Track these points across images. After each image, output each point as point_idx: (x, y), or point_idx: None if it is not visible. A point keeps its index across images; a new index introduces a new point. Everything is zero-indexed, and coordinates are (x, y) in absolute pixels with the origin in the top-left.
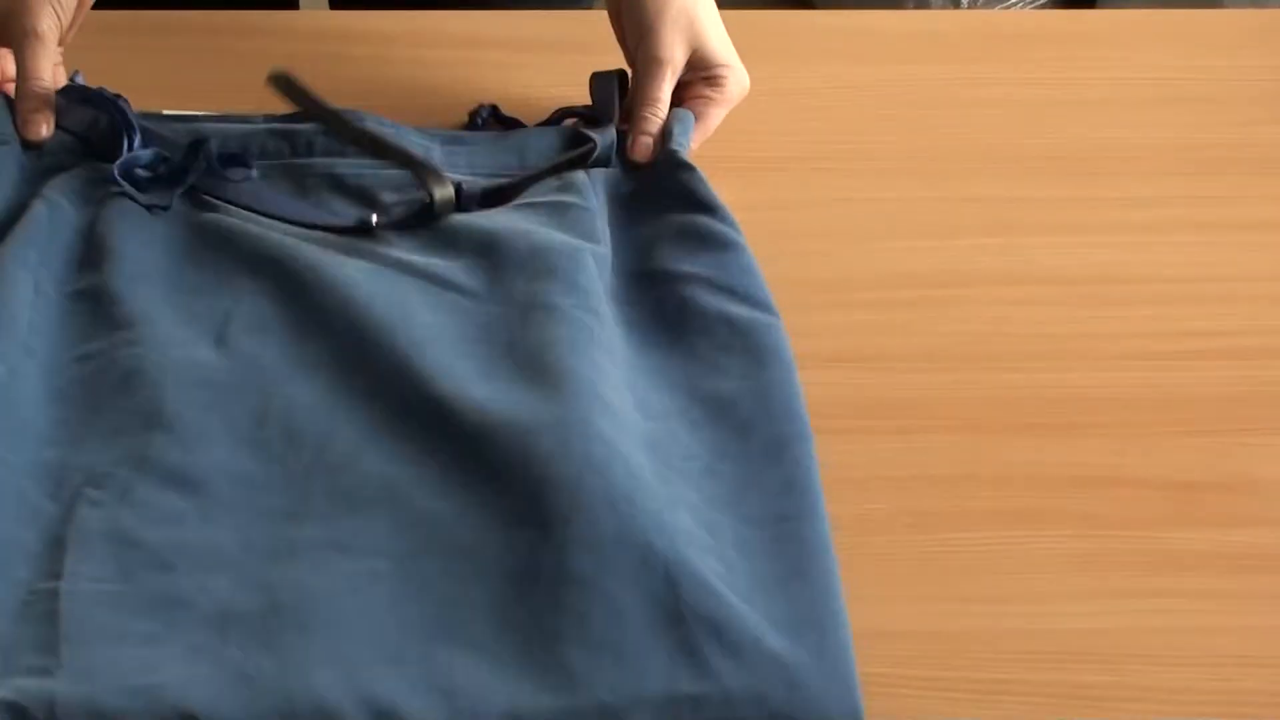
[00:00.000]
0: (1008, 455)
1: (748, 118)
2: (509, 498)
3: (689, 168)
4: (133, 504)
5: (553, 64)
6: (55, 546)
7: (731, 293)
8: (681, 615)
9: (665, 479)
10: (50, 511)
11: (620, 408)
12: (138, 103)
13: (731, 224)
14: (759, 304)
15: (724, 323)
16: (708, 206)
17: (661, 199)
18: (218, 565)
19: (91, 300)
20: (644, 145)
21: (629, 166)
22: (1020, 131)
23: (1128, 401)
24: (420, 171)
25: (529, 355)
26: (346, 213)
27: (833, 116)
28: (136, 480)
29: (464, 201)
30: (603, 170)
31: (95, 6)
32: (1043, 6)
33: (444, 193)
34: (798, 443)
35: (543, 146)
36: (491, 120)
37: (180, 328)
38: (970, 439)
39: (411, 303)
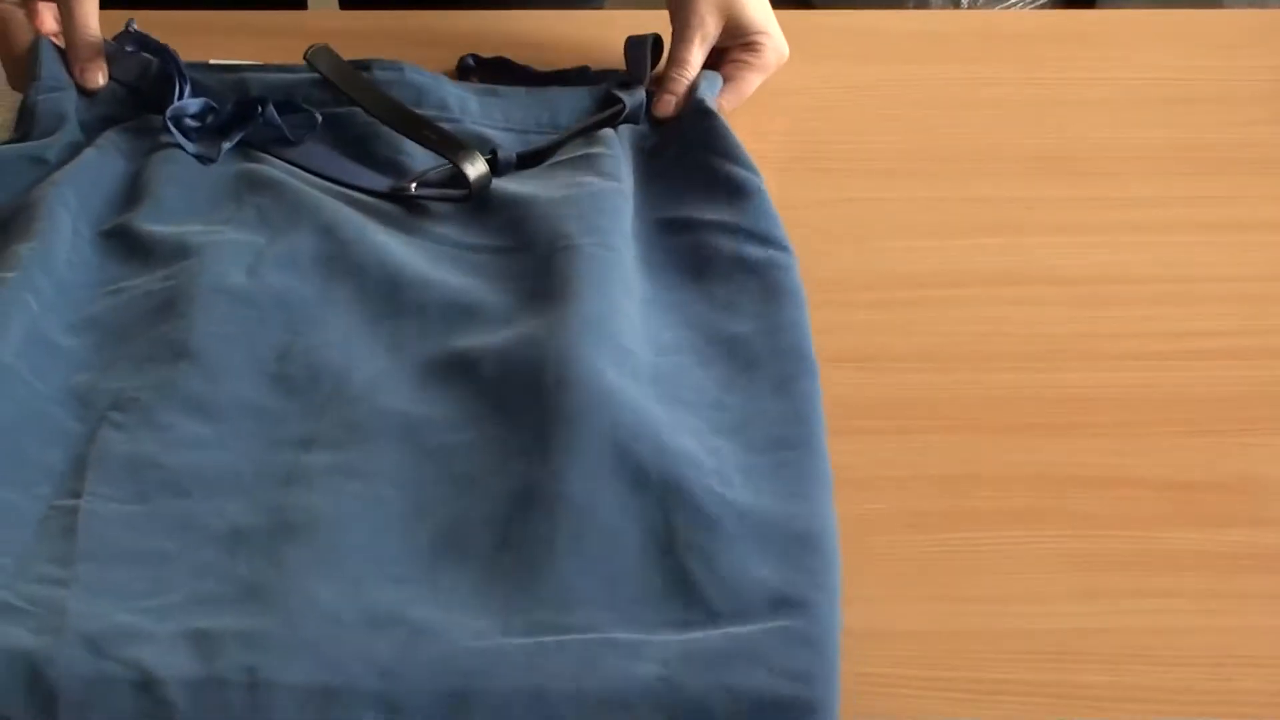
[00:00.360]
0: (1008, 455)
1: (749, 118)
2: (515, 431)
3: (711, 115)
4: (154, 428)
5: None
6: (78, 466)
7: (750, 236)
8: (673, 542)
9: (671, 409)
10: (76, 432)
11: (629, 343)
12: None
13: (752, 169)
14: (776, 244)
15: (741, 265)
16: (729, 153)
17: (685, 148)
18: (232, 490)
19: (127, 237)
20: (668, 102)
21: (654, 124)
22: (1020, 131)
23: (1128, 401)
24: (454, 153)
25: (548, 297)
26: (385, 169)
27: (833, 116)
28: (160, 406)
29: (500, 170)
30: (629, 125)
31: (102, 6)
32: (1043, 6)
33: (478, 170)
34: (804, 378)
35: (574, 105)
36: (477, 68)
37: (212, 262)
38: (970, 439)
39: (443, 264)
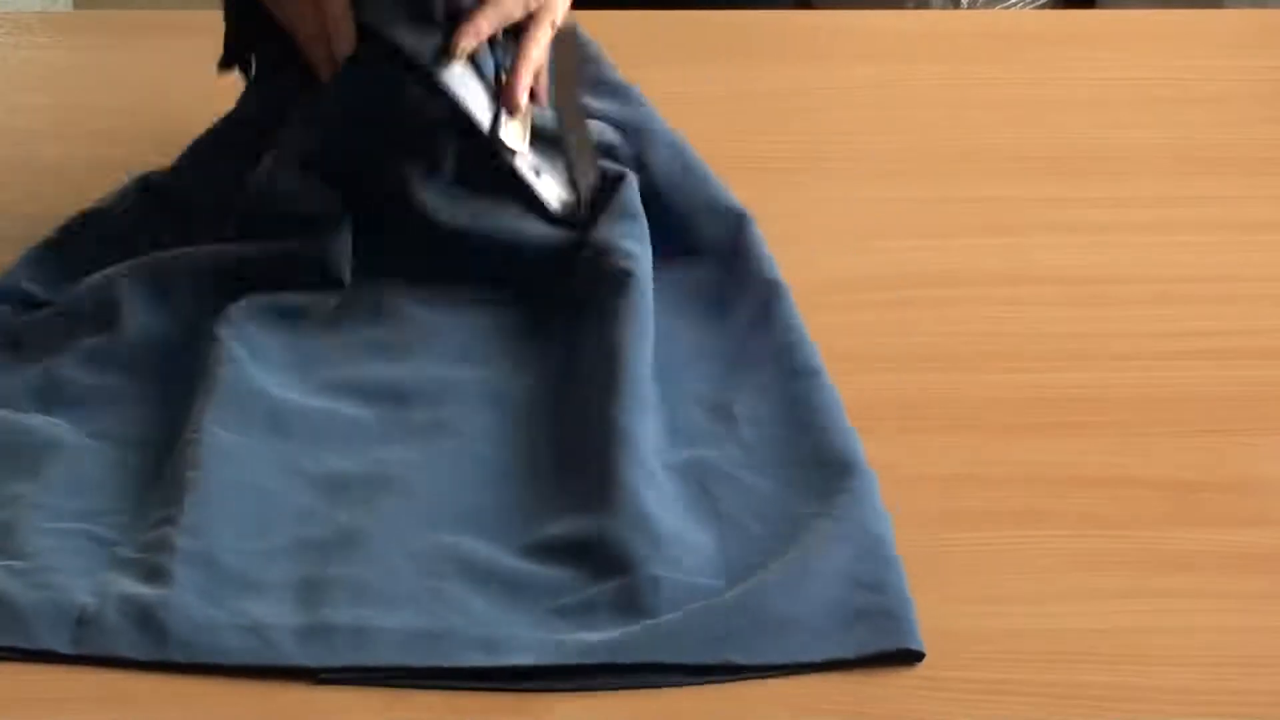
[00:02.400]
0: (1008, 455)
1: (748, 118)
2: (586, 406)
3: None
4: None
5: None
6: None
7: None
8: (717, 508)
9: (671, 399)
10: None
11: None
12: (142, 102)
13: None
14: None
15: (691, 231)
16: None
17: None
18: (330, 439)
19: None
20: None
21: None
22: (1020, 131)
23: (1128, 401)
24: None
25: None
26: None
27: (833, 116)
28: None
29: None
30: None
31: (99, 7)
32: (1043, 6)
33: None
34: (777, 300)
35: None
36: None
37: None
38: (970, 439)
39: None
